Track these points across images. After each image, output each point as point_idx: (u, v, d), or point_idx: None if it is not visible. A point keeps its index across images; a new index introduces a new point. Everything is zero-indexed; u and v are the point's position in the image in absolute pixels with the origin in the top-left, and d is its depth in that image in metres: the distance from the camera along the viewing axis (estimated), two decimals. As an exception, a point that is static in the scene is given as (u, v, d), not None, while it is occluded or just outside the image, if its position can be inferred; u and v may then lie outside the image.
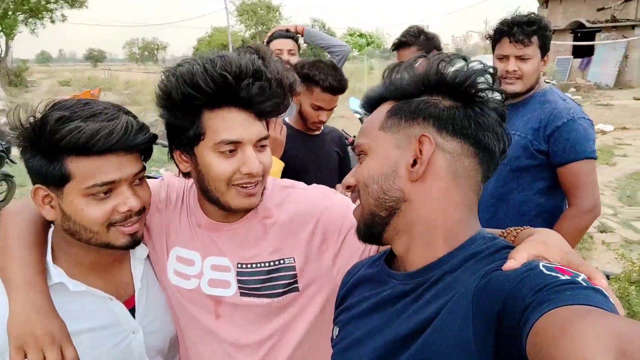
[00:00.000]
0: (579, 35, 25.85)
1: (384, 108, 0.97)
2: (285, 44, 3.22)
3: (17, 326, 1.05)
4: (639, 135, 12.00)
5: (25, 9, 31.88)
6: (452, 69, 0.91)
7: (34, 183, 1.13)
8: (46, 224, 1.22)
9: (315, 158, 2.54)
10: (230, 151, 1.15)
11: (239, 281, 1.27)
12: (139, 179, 1.19)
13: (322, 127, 2.58)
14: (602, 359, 0.53)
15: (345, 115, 11.84)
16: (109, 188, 1.12)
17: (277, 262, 1.27)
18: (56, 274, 1.16)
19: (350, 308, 1.06)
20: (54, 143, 1.05)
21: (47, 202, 1.14)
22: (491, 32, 2.39)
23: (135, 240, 1.19)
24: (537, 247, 0.83)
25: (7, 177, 6.82)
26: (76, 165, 1.08)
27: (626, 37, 22.67)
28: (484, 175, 0.93)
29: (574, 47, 25.34)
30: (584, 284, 0.69)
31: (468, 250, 0.88)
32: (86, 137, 1.05)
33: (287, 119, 2.60)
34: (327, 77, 2.32)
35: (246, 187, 1.18)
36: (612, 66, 24.10)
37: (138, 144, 1.13)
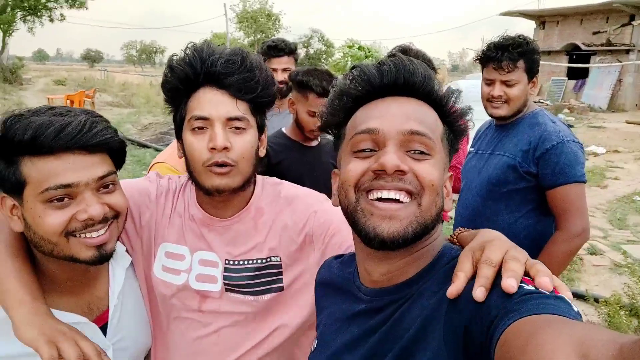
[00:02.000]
0: (574, 57, 26.17)
1: (435, 116, 0.92)
2: (280, 62, 3.16)
3: (31, 329, 0.99)
4: (630, 158, 12.07)
5: (25, 7, 31.79)
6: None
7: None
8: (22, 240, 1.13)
9: (312, 169, 2.52)
10: (199, 128, 1.20)
11: (225, 277, 1.28)
12: (109, 184, 1.09)
13: (319, 138, 2.56)
14: None
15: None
16: (67, 193, 1.01)
17: (265, 260, 1.30)
18: None
19: (326, 322, 1.05)
20: (7, 141, 0.99)
21: (15, 213, 1.06)
22: (480, 55, 2.37)
23: (103, 254, 1.08)
24: (476, 254, 0.81)
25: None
26: (30, 168, 1.00)
27: (620, 61, 22.96)
28: None
29: (569, 68, 25.62)
30: (547, 293, 0.69)
31: (439, 265, 0.89)
32: (32, 131, 0.96)
33: (284, 129, 2.57)
34: (321, 82, 2.31)
35: (216, 166, 1.19)
36: (606, 89, 24.36)
37: (99, 142, 1.04)
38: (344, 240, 1.22)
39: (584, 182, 2.17)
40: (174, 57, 1.24)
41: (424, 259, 0.90)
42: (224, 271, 1.29)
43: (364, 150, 0.88)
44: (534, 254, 2.16)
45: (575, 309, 0.68)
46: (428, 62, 2.98)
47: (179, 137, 1.27)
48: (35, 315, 1.01)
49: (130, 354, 1.28)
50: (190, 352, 1.32)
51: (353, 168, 0.87)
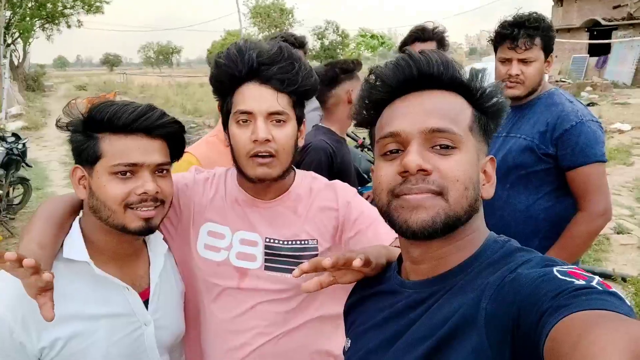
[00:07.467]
0: (595, 33, 25.52)
1: (461, 103, 0.91)
2: None
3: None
4: (658, 134, 11.75)
5: (43, 15, 32.35)
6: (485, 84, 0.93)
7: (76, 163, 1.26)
8: (73, 209, 1.29)
9: (351, 163, 2.63)
10: (244, 121, 1.30)
11: (266, 254, 1.38)
12: (164, 171, 1.27)
13: None
14: None
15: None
16: (132, 170, 1.20)
17: (302, 242, 1.39)
18: (83, 252, 1.22)
19: (363, 321, 1.05)
20: (93, 120, 1.20)
21: (82, 183, 1.24)
22: (492, 35, 2.30)
23: (149, 227, 1.24)
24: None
25: (24, 181, 6.92)
26: (108, 144, 1.19)
27: (644, 35, 22.29)
28: None
29: (590, 45, 25.00)
30: (599, 288, 0.67)
31: (483, 258, 0.88)
32: (112, 112, 1.18)
33: (329, 127, 2.54)
34: (351, 61, 2.59)
35: (258, 156, 1.29)
36: (630, 64, 23.70)
37: (161, 126, 1.23)
38: (372, 233, 1.33)
39: (605, 161, 2.12)
40: (220, 54, 1.32)
41: (466, 249, 0.90)
42: (265, 248, 1.38)
43: (391, 152, 0.90)
44: (553, 236, 2.17)
45: (628, 305, 0.67)
46: (440, 40, 2.89)
47: (226, 127, 1.37)
48: (26, 234, 1.17)
49: (170, 333, 1.39)
50: (227, 331, 1.40)
51: (383, 173, 0.90)
